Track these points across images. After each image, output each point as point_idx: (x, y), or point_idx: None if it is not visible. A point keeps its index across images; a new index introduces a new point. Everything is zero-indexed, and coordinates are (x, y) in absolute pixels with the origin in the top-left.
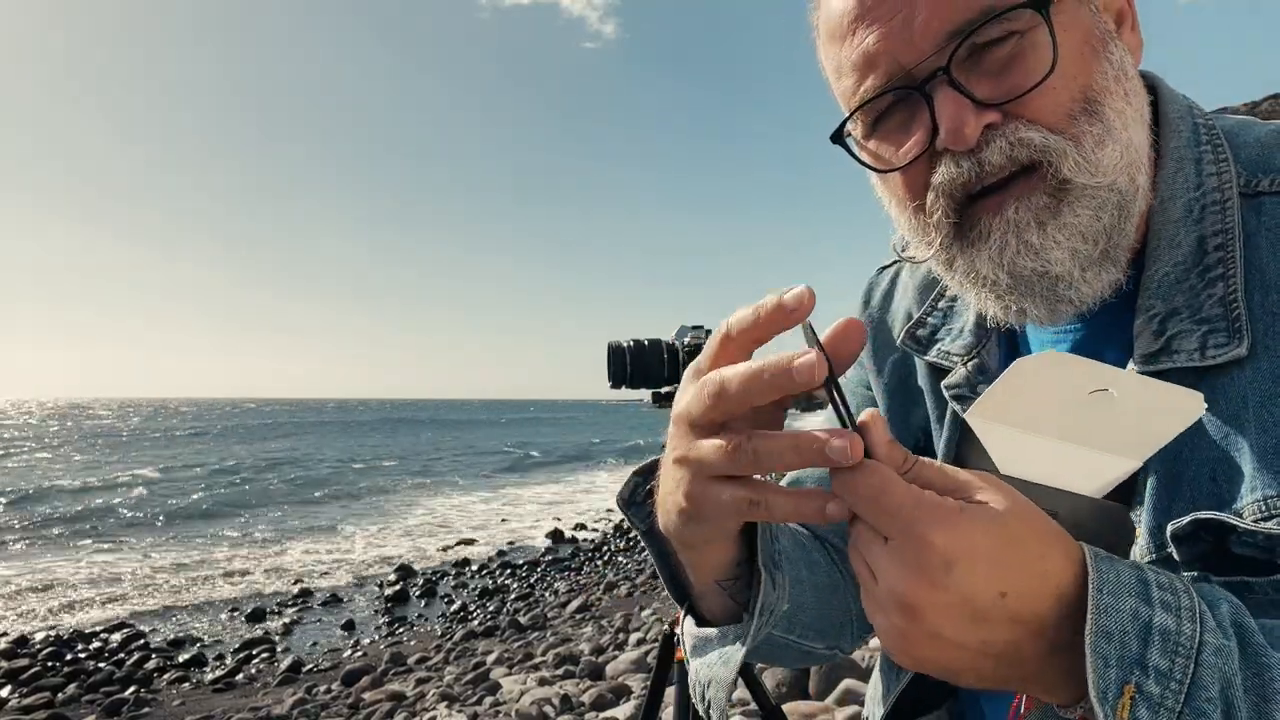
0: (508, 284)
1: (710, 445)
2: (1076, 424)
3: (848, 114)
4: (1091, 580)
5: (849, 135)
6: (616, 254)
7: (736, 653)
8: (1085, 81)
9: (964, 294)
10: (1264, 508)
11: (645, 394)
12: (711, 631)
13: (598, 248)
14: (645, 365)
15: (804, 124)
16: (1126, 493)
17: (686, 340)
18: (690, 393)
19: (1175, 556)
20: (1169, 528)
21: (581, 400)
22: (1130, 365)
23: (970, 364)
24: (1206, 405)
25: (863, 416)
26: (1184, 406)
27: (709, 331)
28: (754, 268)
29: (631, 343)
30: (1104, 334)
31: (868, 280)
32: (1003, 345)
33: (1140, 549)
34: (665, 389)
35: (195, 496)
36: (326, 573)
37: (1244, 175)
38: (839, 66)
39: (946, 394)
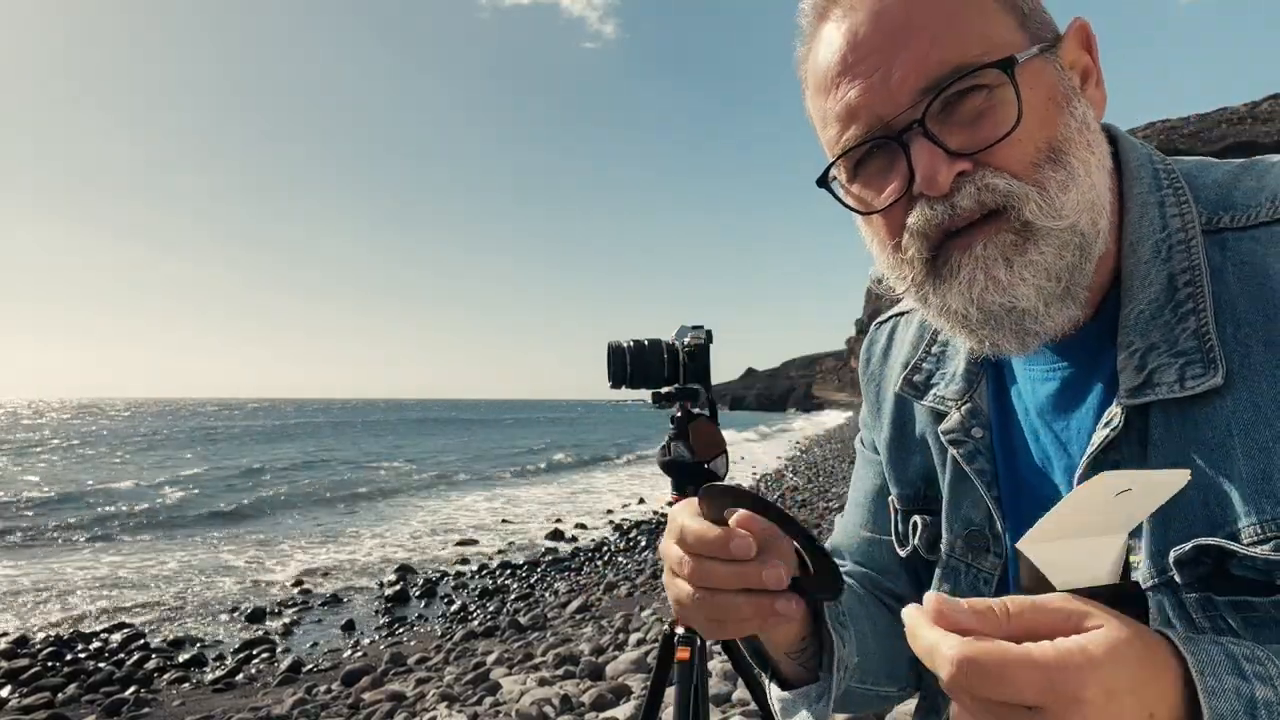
0: (508, 283)
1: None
2: (1103, 523)
3: (832, 160)
4: (1193, 667)
5: (833, 180)
6: (617, 253)
7: (824, 710)
8: (1050, 133)
9: (940, 328)
10: (1259, 531)
11: (646, 394)
12: (794, 694)
13: (598, 247)
14: (645, 365)
15: (804, 123)
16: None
17: (686, 340)
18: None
19: (1177, 579)
20: (1172, 553)
21: (582, 400)
22: (1117, 399)
23: (964, 408)
24: (1193, 433)
25: (931, 600)
26: (1169, 478)
27: (709, 332)
28: (754, 267)
29: (631, 343)
30: (1088, 371)
31: (868, 336)
32: (990, 385)
33: (1142, 574)
34: (665, 389)
35: (220, 496)
36: (327, 573)
37: (1205, 214)
38: (824, 116)
39: (943, 439)
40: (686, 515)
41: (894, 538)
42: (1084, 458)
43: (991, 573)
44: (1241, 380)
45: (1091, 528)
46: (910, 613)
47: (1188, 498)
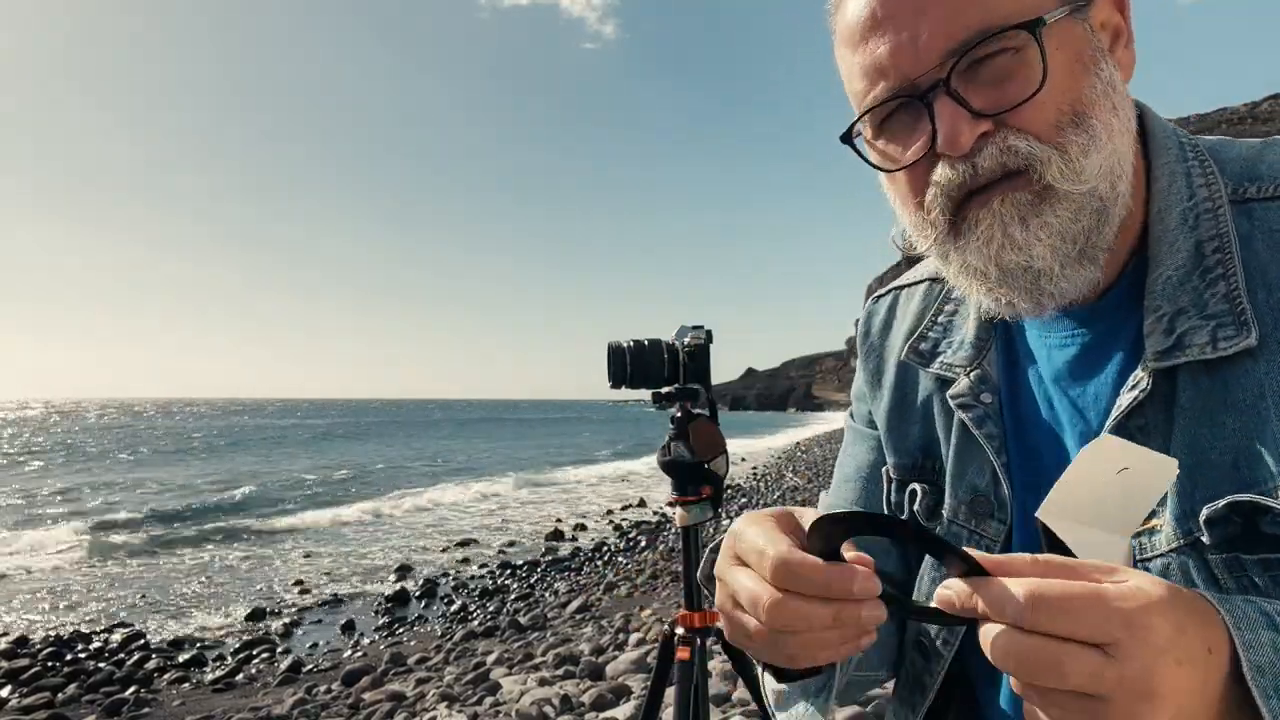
0: (507, 283)
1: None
2: (1116, 510)
3: (858, 116)
4: (1229, 622)
5: (858, 135)
6: (617, 253)
7: (825, 704)
8: (1075, 95)
9: (960, 286)
10: None
11: (646, 394)
12: (792, 685)
13: (598, 247)
14: (645, 365)
15: (804, 123)
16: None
17: (686, 340)
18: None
19: (1204, 539)
20: (1204, 511)
21: (582, 400)
22: (1143, 363)
23: (973, 374)
24: (1223, 395)
25: (984, 556)
26: (1161, 467)
27: (709, 332)
28: (754, 266)
29: (631, 343)
30: (1109, 337)
31: (865, 310)
32: (1000, 353)
33: (1167, 535)
34: (665, 389)
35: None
36: (327, 573)
37: (1231, 185)
38: (851, 71)
39: (951, 403)
40: (771, 539)
41: (886, 508)
42: (1108, 421)
43: (995, 539)
44: (1275, 342)
45: (1099, 497)
46: (955, 582)
47: (1216, 460)
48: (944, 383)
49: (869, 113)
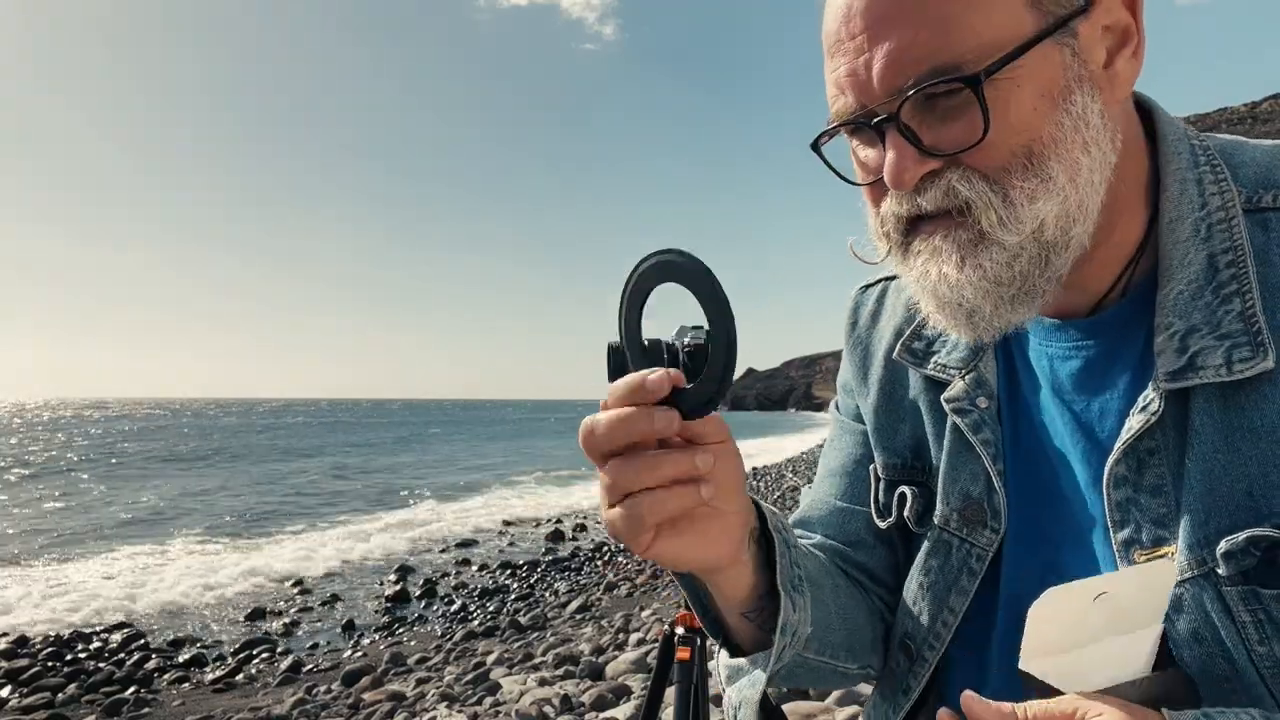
0: (507, 284)
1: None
2: (1103, 629)
3: (825, 126)
4: None
5: (824, 144)
6: (617, 253)
7: (763, 674)
8: (1031, 136)
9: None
10: None
11: None
12: (743, 661)
13: (598, 247)
14: (644, 366)
15: (804, 123)
16: (1166, 655)
17: (686, 340)
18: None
19: (1220, 571)
20: (1223, 544)
21: (583, 400)
22: (1154, 383)
23: (968, 377)
24: (1238, 420)
25: (965, 698)
26: (1162, 574)
27: (709, 332)
28: (755, 266)
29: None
30: (1115, 352)
31: (852, 299)
32: (1000, 360)
33: (1181, 565)
34: None
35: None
36: (327, 573)
37: (1245, 193)
38: (826, 76)
39: (946, 407)
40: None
41: (873, 509)
42: (1118, 445)
43: (986, 549)
44: None
45: (1074, 641)
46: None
47: (1232, 487)
48: (936, 384)
49: (834, 125)
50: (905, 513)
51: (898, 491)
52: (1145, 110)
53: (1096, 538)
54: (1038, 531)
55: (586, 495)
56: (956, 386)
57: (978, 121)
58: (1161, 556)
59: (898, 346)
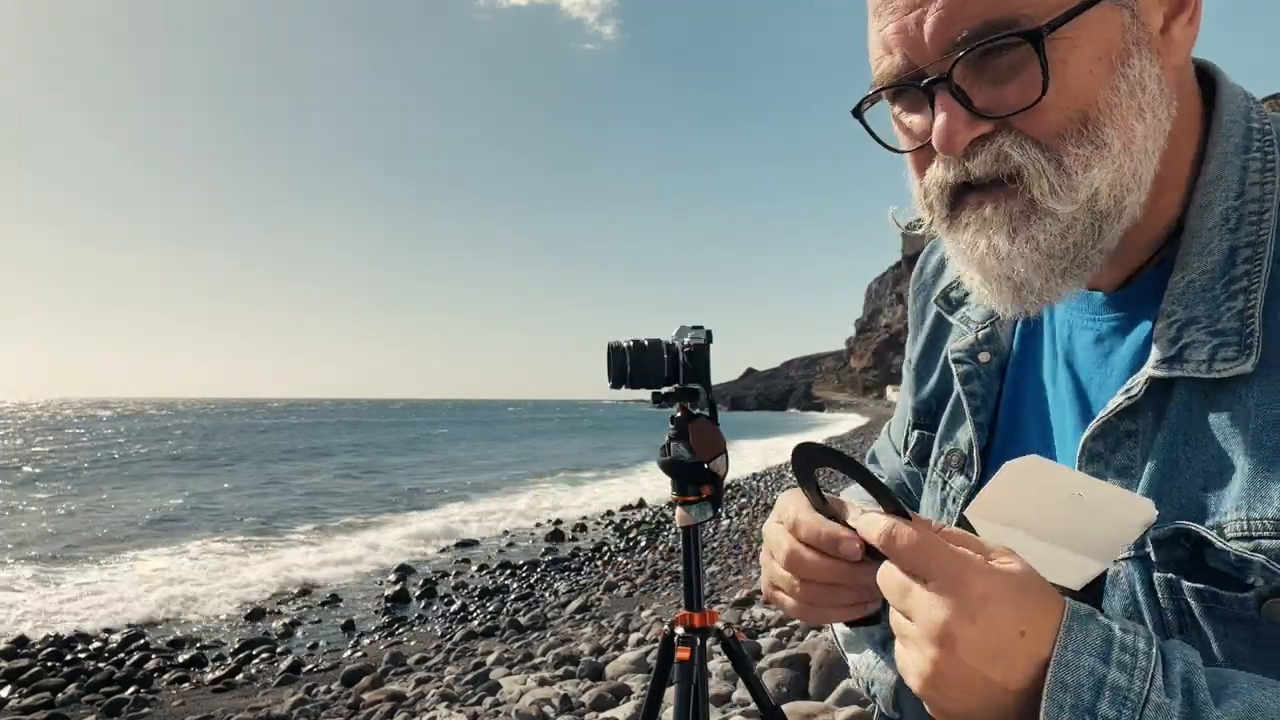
0: (504, 286)
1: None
2: (1057, 526)
3: (870, 90)
4: (1059, 638)
5: (866, 109)
6: (617, 254)
7: (892, 656)
8: (1087, 100)
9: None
10: (1245, 527)
11: (645, 394)
12: (856, 630)
13: (598, 248)
14: (645, 366)
15: (804, 124)
16: (1097, 591)
17: (686, 340)
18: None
19: (1152, 556)
20: (1150, 531)
21: (585, 400)
22: (1148, 366)
23: (981, 332)
24: (1210, 417)
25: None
26: (1138, 512)
27: (709, 332)
28: (755, 266)
29: (631, 343)
30: (1127, 328)
31: (927, 246)
32: (1022, 319)
33: None
34: (665, 389)
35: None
36: (326, 574)
37: None
38: (870, 38)
39: (949, 356)
40: (800, 507)
41: (901, 449)
42: (1094, 421)
43: (960, 493)
44: (1275, 373)
45: (1028, 521)
46: (866, 517)
47: (1186, 481)
48: (960, 335)
49: (878, 90)
50: (908, 455)
51: (915, 434)
52: (1210, 80)
53: None
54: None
55: (602, 493)
56: (966, 339)
57: (1035, 82)
58: None
59: (936, 294)
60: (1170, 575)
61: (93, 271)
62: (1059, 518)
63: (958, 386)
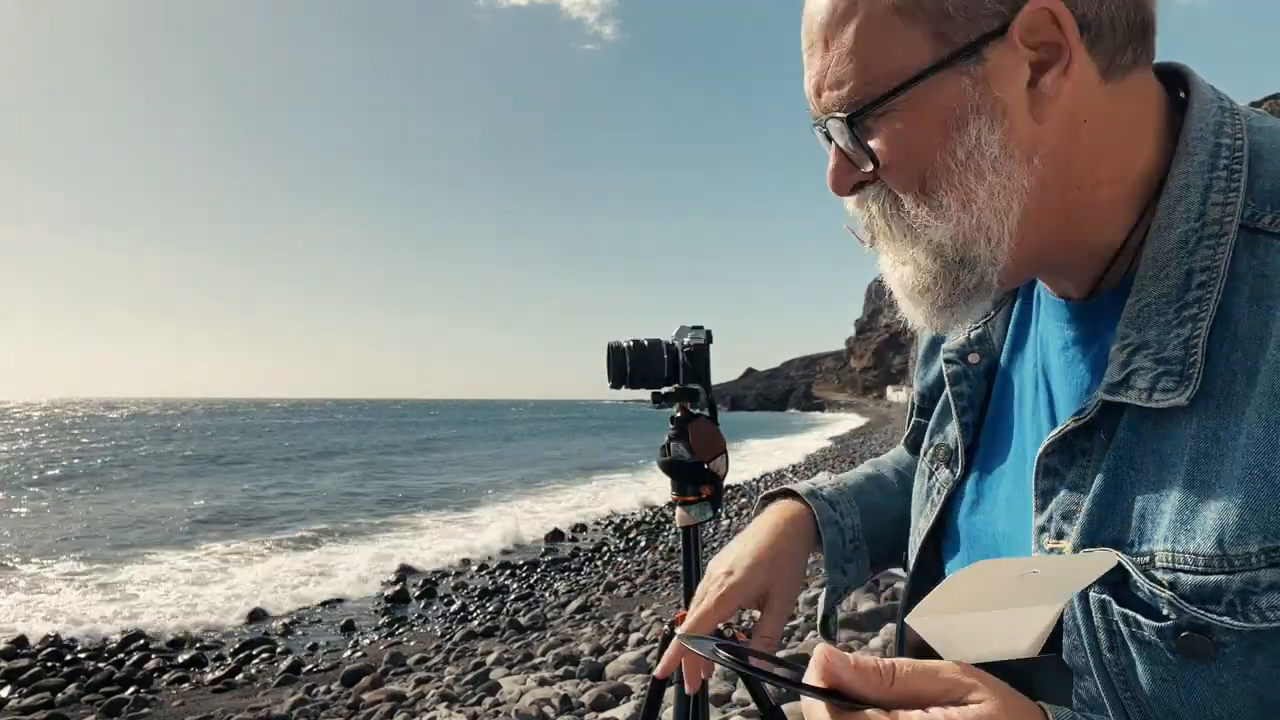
0: (504, 286)
1: None
2: (1005, 600)
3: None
4: None
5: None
6: (617, 254)
7: (829, 598)
8: (923, 164)
9: None
10: (1171, 559)
11: (646, 394)
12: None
13: (598, 248)
14: (645, 366)
15: (805, 123)
16: (1055, 634)
17: (686, 341)
18: None
19: None
20: (1081, 552)
21: (585, 400)
22: (1099, 389)
23: (973, 332)
24: (1153, 443)
25: (813, 663)
26: (1098, 564)
27: (709, 332)
28: (755, 266)
29: (631, 343)
30: (1090, 340)
31: None
32: (1016, 314)
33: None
34: (665, 389)
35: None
36: (326, 575)
37: (1252, 207)
38: None
39: (941, 356)
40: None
41: (905, 432)
42: (1047, 438)
43: (943, 487)
44: (1213, 406)
45: (995, 602)
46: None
47: (1129, 503)
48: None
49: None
50: (904, 441)
51: (914, 421)
52: (1184, 91)
53: (1029, 512)
54: (994, 486)
55: (647, 484)
56: (958, 338)
57: (876, 150)
58: (1058, 551)
59: None
60: (1104, 596)
61: (92, 271)
62: (1008, 595)
63: (946, 386)
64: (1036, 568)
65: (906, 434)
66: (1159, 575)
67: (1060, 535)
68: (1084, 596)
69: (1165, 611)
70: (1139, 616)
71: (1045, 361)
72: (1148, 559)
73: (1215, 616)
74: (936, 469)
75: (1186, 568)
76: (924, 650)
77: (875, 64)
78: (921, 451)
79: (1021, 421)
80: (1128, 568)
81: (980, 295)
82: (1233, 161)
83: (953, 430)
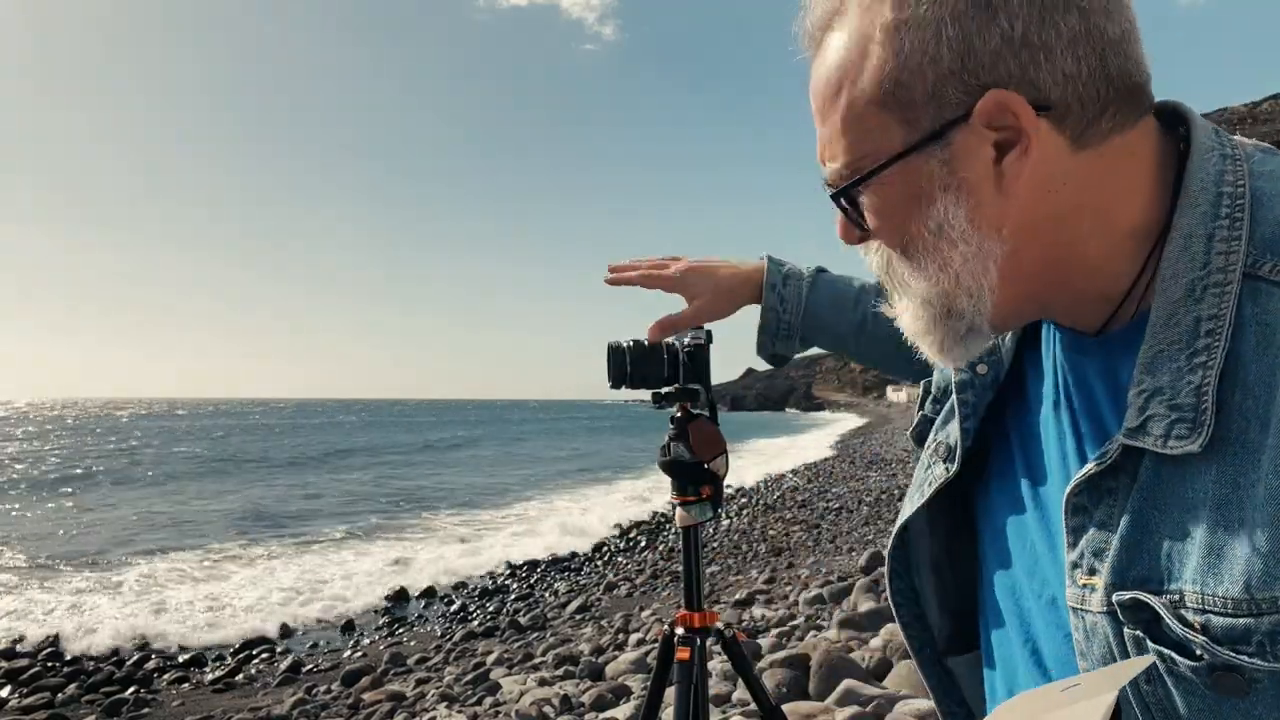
0: (504, 285)
1: None
2: (1057, 705)
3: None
4: None
5: None
6: (617, 255)
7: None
8: (904, 233)
9: None
10: (1200, 600)
11: (646, 394)
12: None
13: (598, 249)
14: (645, 365)
15: (805, 125)
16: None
17: (686, 341)
18: None
19: (1119, 616)
20: (1114, 596)
21: (585, 400)
22: (1120, 434)
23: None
24: (1175, 487)
25: None
26: (1135, 667)
27: (709, 332)
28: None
29: (631, 343)
30: (1108, 372)
31: None
32: (1030, 331)
33: (1099, 598)
34: (665, 389)
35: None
36: (326, 575)
37: (1253, 254)
38: None
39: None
40: None
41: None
42: (1073, 480)
43: (939, 477)
44: (1228, 452)
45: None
46: None
47: (1157, 542)
48: None
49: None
50: (910, 431)
51: (920, 414)
52: (1184, 138)
53: (1034, 520)
54: (1015, 487)
55: (624, 499)
56: None
57: (867, 217)
58: (1091, 587)
59: None
60: (1139, 633)
61: (93, 272)
62: (1057, 701)
63: (953, 392)
64: (1080, 681)
65: (913, 427)
66: (1190, 617)
67: (1093, 571)
68: (1118, 635)
69: (1199, 652)
70: (1174, 654)
71: (1065, 387)
72: (1177, 598)
73: (1245, 658)
74: (934, 463)
75: (1217, 610)
76: None
77: (858, 145)
78: (924, 444)
79: (1032, 440)
80: (1160, 612)
81: (976, 337)
82: (1234, 209)
83: (954, 431)
